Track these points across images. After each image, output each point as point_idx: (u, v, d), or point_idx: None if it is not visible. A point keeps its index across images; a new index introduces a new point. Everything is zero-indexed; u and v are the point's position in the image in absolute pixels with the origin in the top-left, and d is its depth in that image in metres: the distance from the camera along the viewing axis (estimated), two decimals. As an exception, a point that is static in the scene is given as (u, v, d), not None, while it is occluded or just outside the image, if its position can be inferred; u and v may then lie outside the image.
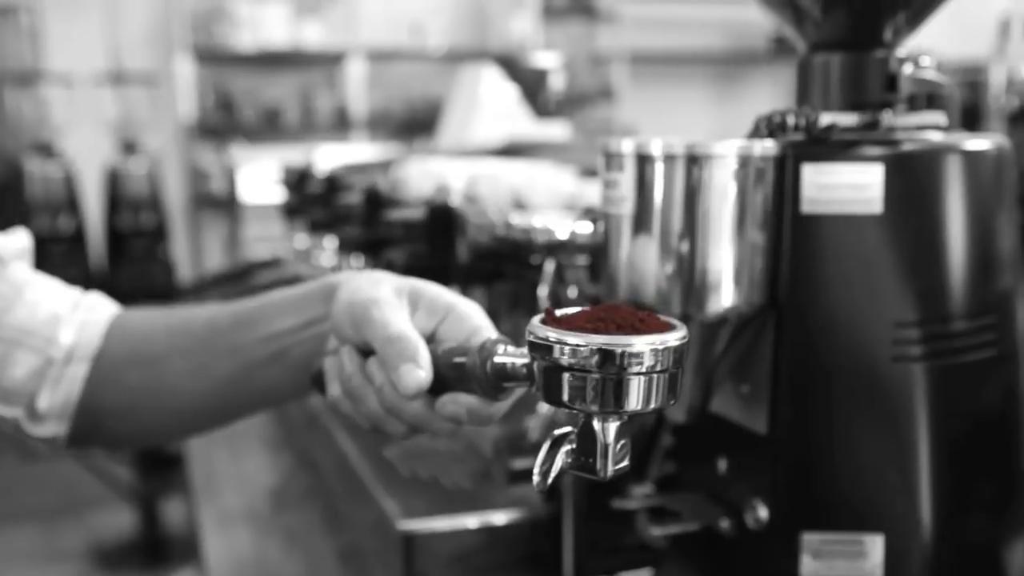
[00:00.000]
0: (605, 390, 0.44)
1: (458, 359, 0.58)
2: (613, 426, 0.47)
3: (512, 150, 1.93)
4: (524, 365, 0.51)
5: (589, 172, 1.46)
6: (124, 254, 3.65)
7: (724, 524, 0.76)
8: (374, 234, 1.20)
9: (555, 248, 0.89)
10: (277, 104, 5.16)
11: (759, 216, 0.70)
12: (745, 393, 0.75)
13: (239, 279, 1.84)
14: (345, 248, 1.31)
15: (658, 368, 0.44)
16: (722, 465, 0.78)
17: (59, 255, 3.45)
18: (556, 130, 2.21)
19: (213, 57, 4.97)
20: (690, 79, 6.29)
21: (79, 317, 0.77)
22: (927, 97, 0.74)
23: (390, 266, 1.04)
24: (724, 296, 0.70)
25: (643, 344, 0.44)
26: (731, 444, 0.78)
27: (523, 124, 2.28)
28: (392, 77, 5.45)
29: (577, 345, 0.44)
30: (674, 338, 0.45)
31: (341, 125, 5.19)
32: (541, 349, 0.45)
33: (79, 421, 0.77)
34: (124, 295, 3.62)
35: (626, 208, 0.71)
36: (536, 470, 0.47)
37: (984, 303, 0.73)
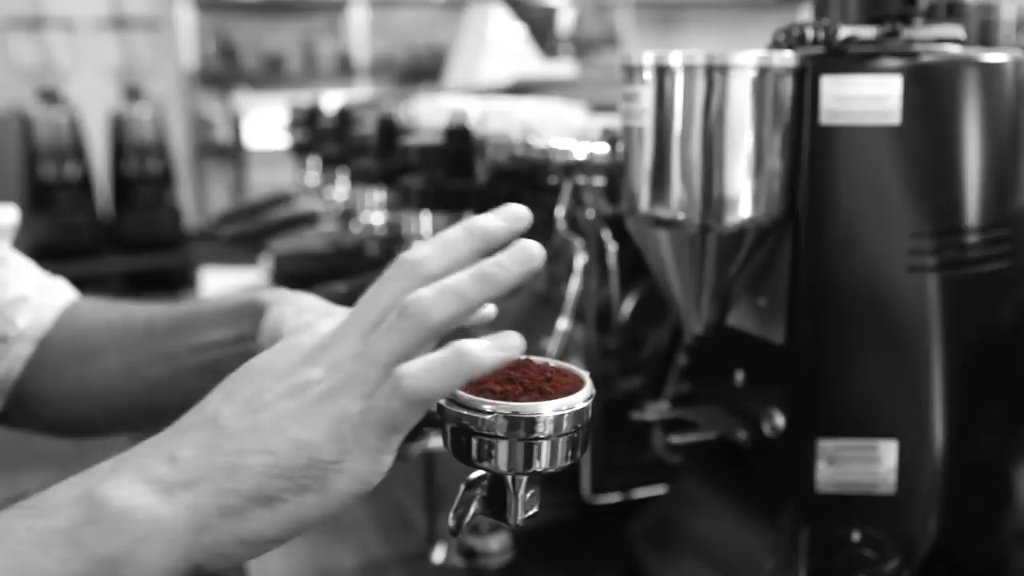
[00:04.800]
0: (513, 454, 0.45)
1: None
2: (523, 480, 0.48)
3: (520, 88, 1.92)
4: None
5: (598, 108, 1.46)
6: (131, 200, 3.64)
7: (741, 434, 0.77)
8: (389, 164, 1.21)
9: (573, 168, 0.89)
10: (279, 51, 5.12)
11: (778, 128, 0.71)
12: (763, 306, 0.76)
13: (250, 216, 1.85)
14: (359, 179, 1.31)
15: (564, 431, 0.45)
16: (739, 377, 0.80)
17: (66, 201, 3.44)
18: (564, 68, 2.20)
19: (214, 4, 4.92)
20: (696, 26, 6.22)
21: (37, 300, 0.78)
22: (947, 9, 0.74)
23: (406, 193, 1.05)
24: (743, 208, 0.71)
25: (549, 410, 0.45)
26: (748, 356, 0.79)
27: (531, 63, 2.26)
28: (395, 24, 5.40)
29: (484, 413, 0.45)
30: (580, 399, 0.46)
31: (344, 72, 5.16)
32: (449, 412, 0.46)
33: (11, 401, 0.77)
34: (131, 241, 3.62)
35: (646, 120, 0.72)
36: (451, 515, 0.48)
37: (999, 215, 0.74)
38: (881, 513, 0.73)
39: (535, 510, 0.49)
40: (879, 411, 0.73)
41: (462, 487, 0.48)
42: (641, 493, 0.95)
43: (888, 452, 0.72)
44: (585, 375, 0.48)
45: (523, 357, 0.49)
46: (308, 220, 1.65)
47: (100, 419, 0.79)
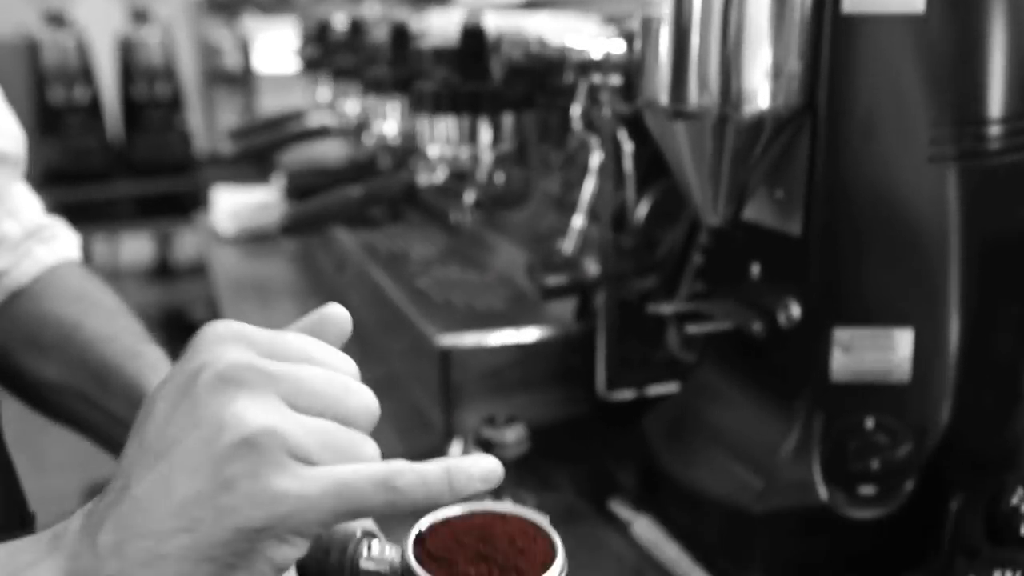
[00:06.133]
0: None
1: (319, 553, 0.53)
2: None
3: (534, 3, 1.89)
4: (393, 572, 0.48)
5: (612, 19, 1.44)
6: (141, 124, 3.62)
7: (756, 326, 0.78)
8: (402, 71, 1.20)
9: (589, 67, 0.89)
10: (287, -26, 5.04)
11: (799, 17, 0.70)
12: (780, 198, 0.76)
13: (262, 131, 1.84)
14: (372, 89, 1.31)
15: None
16: (755, 271, 0.80)
17: (76, 126, 3.43)
18: (578, -17, 2.16)
19: (219, -75, 4.83)
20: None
21: (27, 246, 0.75)
22: None
23: (420, 97, 1.04)
24: (761, 98, 0.71)
25: None
26: (764, 250, 0.79)
27: (544, -22, 2.23)
28: (404, -54, 5.30)
29: None
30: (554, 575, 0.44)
31: (353, -5, 5.08)
32: None
33: None
34: (142, 166, 3.59)
35: (665, 9, 0.71)
36: None
37: (1022, 107, 0.73)
38: (895, 401, 0.74)
39: None
40: (895, 300, 0.73)
41: None
42: (655, 390, 0.97)
43: (903, 340, 0.73)
44: (557, 541, 0.46)
45: (484, 511, 0.47)
46: (320, 134, 1.65)
47: (32, 404, 0.76)
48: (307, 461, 0.39)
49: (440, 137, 1.05)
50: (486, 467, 0.42)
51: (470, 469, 0.41)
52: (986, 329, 0.76)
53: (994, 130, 0.72)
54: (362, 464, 0.40)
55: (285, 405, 0.40)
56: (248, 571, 0.39)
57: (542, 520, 0.47)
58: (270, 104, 4.09)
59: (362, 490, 0.39)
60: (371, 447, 0.42)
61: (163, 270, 4.14)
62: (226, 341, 0.42)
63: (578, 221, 0.91)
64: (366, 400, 0.43)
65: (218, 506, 0.38)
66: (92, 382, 0.69)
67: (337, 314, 0.46)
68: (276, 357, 0.41)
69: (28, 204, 0.78)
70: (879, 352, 0.73)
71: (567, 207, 1.04)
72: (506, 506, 0.48)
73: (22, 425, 0.77)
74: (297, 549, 0.40)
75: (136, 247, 4.13)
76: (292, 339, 0.43)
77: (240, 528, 0.38)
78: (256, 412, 0.39)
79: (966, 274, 0.73)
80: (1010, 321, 0.78)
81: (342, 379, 0.43)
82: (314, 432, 0.40)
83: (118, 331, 0.71)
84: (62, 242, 0.79)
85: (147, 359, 0.68)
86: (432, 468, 0.41)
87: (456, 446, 0.94)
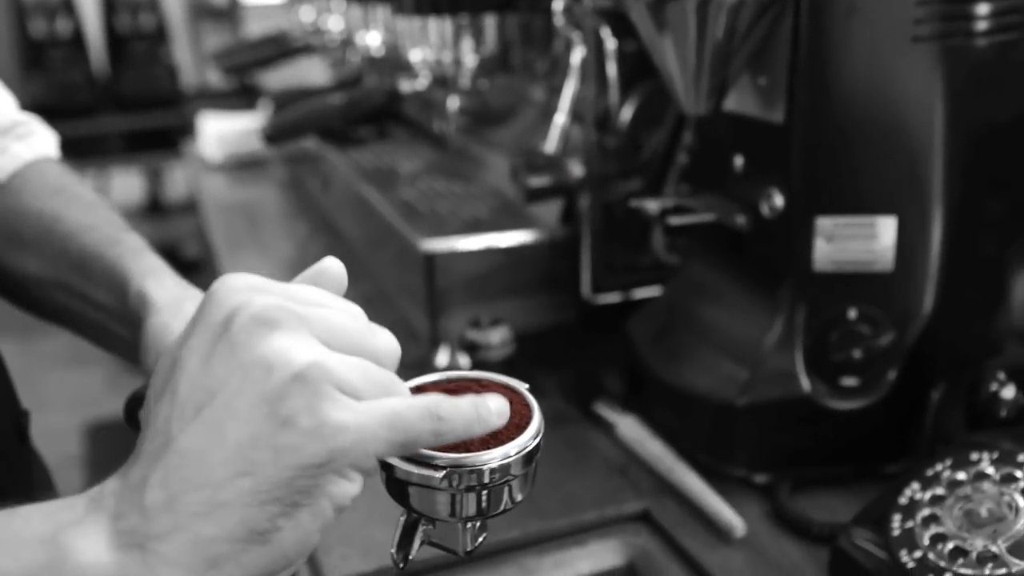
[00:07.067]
0: (455, 504, 0.42)
1: None
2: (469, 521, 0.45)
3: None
4: None
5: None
6: (126, 58, 3.57)
7: (739, 219, 0.77)
8: (384, -23, 1.17)
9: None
10: (271, -97, 4.92)
11: None
12: (763, 85, 0.75)
13: (247, 51, 1.81)
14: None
15: (511, 474, 0.43)
16: (738, 163, 0.79)
17: (59, 59, 3.37)
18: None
19: None
20: None
21: (3, 143, 0.75)
22: None
23: (401, 0, 1.02)
24: (744, -21, 0.69)
25: (496, 460, 0.42)
26: (746, 142, 0.78)
27: None
28: None
29: (424, 467, 0.42)
30: (529, 436, 0.43)
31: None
32: (389, 463, 0.42)
33: None
34: (129, 100, 3.52)
35: None
36: (394, 550, 0.45)
37: (1010, -14, 0.71)
38: (878, 291, 0.74)
39: (484, 536, 0.46)
40: (879, 188, 0.72)
41: (402, 521, 0.45)
42: (640, 294, 0.96)
43: (887, 229, 0.72)
44: (532, 400, 0.45)
45: (461, 376, 0.46)
46: (304, 51, 1.62)
47: (18, 302, 0.76)
48: (353, 395, 0.39)
49: (422, 41, 1.03)
50: (500, 402, 0.43)
51: (488, 402, 0.42)
52: (970, 220, 0.75)
53: (980, 9, 0.70)
54: (404, 396, 0.41)
55: (320, 344, 0.39)
56: (312, 508, 0.38)
57: (519, 385, 0.47)
58: (258, 34, 4.04)
59: (412, 419, 0.39)
60: (403, 384, 0.42)
61: (154, 207, 4.11)
62: (246, 290, 0.40)
63: (560, 119, 0.90)
64: (390, 340, 0.43)
65: (277, 445, 0.37)
66: (74, 272, 0.69)
67: (334, 267, 0.45)
68: (295, 303, 0.40)
69: (2, 101, 0.76)
70: (862, 241, 0.72)
71: (554, 113, 1.03)
72: (483, 373, 0.47)
73: (22, 363, 0.77)
74: (355, 484, 0.39)
75: (127, 184, 4.10)
76: (305, 288, 0.42)
77: (302, 465, 0.37)
78: (300, 348, 0.38)
79: (951, 161, 0.72)
80: (995, 221, 0.78)
81: (364, 321, 0.42)
82: (355, 368, 0.39)
83: (98, 221, 0.71)
84: (39, 138, 0.78)
85: (127, 245, 0.68)
86: (462, 400, 0.41)
87: (443, 353, 0.94)
